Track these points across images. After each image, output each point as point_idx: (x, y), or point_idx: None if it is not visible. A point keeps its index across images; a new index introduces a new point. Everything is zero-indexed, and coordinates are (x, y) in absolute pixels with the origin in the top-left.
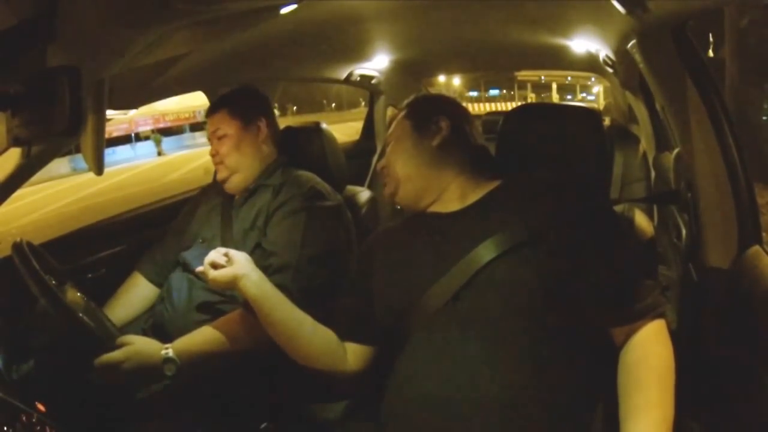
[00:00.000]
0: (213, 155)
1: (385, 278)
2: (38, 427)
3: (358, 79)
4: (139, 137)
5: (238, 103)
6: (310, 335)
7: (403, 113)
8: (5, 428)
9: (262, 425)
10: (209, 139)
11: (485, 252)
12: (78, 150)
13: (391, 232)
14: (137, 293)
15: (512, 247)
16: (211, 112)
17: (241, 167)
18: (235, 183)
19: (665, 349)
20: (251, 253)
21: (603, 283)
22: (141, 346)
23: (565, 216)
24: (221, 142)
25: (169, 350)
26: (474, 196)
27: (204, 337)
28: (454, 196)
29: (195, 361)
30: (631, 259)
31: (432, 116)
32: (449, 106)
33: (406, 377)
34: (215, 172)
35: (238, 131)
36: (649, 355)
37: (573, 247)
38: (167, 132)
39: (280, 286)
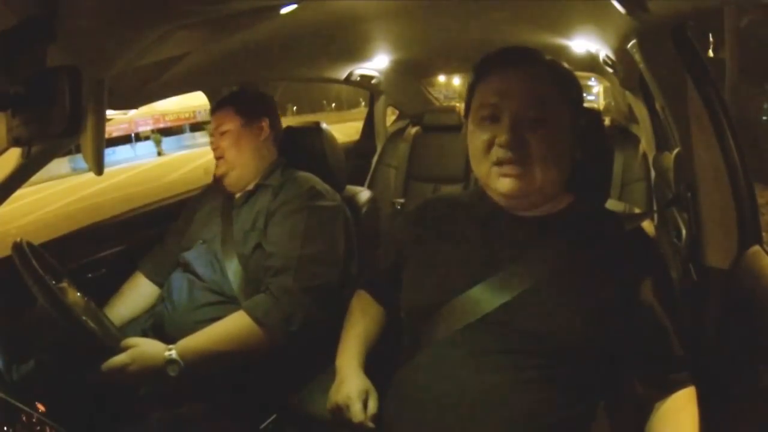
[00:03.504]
0: (214, 149)
1: (424, 261)
2: (38, 427)
3: (358, 79)
4: (139, 137)
5: (244, 101)
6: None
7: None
8: (5, 428)
9: (263, 424)
10: (212, 134)
11: (539, 270)
12: (78, 150)
13: (443, 205)
14: (139, 292)
15: (567, 273)
16: (217, 108)
17: (239, 163)
18: (234, 179)
19: (694, 420)
20: (251, 254)
21: (645, 342)
22: (145, 348)
23: (627, 261)
24: (223, 137)
25: (172, 352)
26: (551, 208)
27: (207, 338)
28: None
29: (198, 361)
30: (671, 327)
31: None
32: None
33: (423, 379)
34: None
35: (239, 128)
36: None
37: (626, 297)
38: (167, 132)
39: (282, 287)
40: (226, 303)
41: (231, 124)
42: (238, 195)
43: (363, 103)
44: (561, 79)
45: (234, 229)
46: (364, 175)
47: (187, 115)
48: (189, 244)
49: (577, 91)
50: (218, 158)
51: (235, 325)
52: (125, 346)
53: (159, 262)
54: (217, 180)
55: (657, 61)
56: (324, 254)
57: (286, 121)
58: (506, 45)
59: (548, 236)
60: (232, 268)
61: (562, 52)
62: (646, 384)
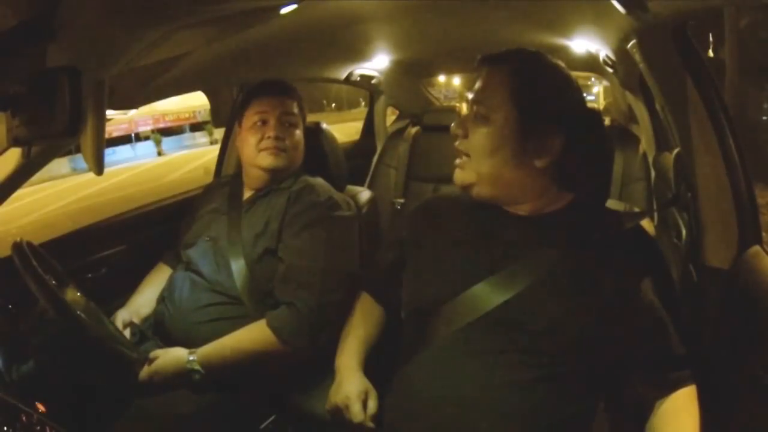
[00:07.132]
0: (276, 137)
1: (425, 260)
2: (38, 427)
3: (358, 79)
4: (139, 137)
5: (300, 102)
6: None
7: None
8: (5, 428)
9: (263, 424)
10: (265, 120)
11: (539, 269)
12: (78, 150)
13: (444, 204)
14: (165, 279)
15: (567, 272)
16: (283, 93)
17: (295, 163)
18: (286, 175)
19: (695, 420)
20: (260, 258)
21: (645, 341)
22: (166, 360)
23: (628, 261)
24: (292, 130)
25: (194, 362)
26: (549, 207)
27: (231, 352)
28: (539, 202)
29: (217, 372)
30: (671, 327)
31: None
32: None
33: (423, 379)
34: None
35: (301, 129)
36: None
37: (626, 295)
38: (167, 132)
39: (309, 305)
40: (228, 304)
41: (298, 120)
42: (247, 195)
43: (363, 103)
44: (520, 83)
45: (243, 231)
46: (364, 175)
47: (187, 115)
48: (192, 241)
49: (539, 96)
50: (282, 150)
51: (258, 340)
52: (153, 356)
53: (178, 254)
54: (271, 169)
55: (657, 61)
56: (345, 265)
57: None
58: (506, 45)
59: (548, 235)
60: (238, 269)
61: (562, 52)
62: (647, 383)
